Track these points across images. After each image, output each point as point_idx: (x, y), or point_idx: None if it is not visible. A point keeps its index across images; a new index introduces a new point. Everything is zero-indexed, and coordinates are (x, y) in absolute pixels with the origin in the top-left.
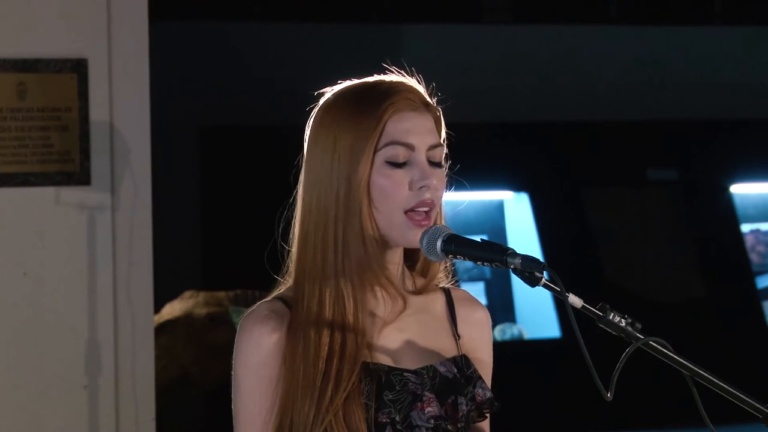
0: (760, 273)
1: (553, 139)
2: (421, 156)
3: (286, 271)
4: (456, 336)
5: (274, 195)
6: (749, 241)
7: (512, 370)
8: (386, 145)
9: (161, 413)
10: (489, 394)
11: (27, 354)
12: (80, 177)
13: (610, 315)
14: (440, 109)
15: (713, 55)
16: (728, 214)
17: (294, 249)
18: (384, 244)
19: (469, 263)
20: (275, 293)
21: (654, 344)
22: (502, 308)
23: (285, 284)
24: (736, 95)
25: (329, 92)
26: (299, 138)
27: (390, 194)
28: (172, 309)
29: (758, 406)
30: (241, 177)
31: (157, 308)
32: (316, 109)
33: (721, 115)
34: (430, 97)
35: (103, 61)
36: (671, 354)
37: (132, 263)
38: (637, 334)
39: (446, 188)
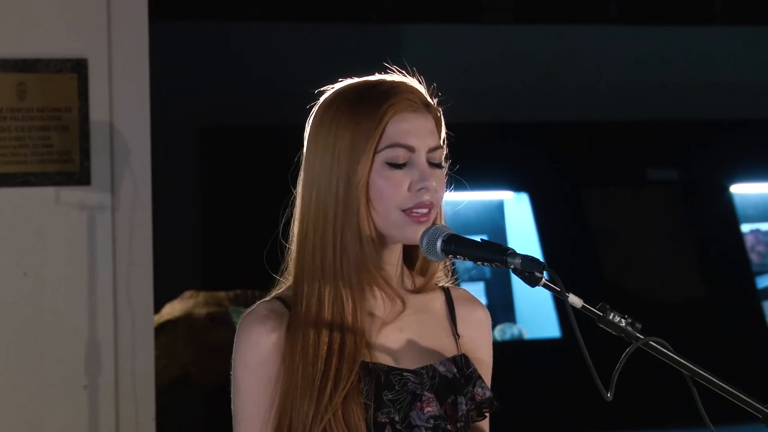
0: (760, 273)
1: (553, 139)
2: (421, 157)
3: (285, 269)
4: (456, 335)
5: (274, 195)
6: (749, 241)
7: (512, 370)
8: (386, 146)
9: (161, 413)
10: (488, 394)
11: (27, 354)
12: (80, 177)
13: (610, 315)
14: (441, 110)
15: (713, 55)
16: (728, 214)
17: (293, 247)
18: (382, 244)
19: (469, 263)
20: (274, 293)
21: (654, 344)
22: (502, 308)
23: (284, 284)
24: (736, 95)
25: (329, 90)
26: (299, 138)
27: (388, 195)
28: (172, 309)
29: (758, 406)
30: (241, 177)
31: (157, 308)
32: (316, 107)
33: (721, 115)
34: (431, 98)
35: (103, 61)
36: (671, 354)
37: (132, 263)
38: (637, 334)
39: (446, 188)
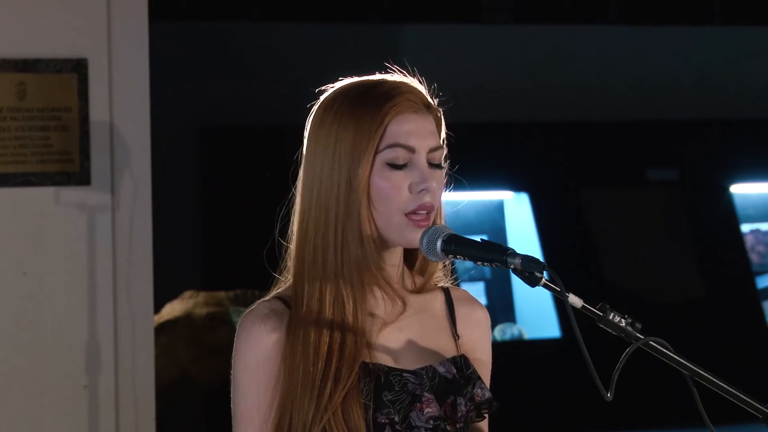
0: (760, 273)
1: (553, 139)
2: (421, 158)
3: (284, 268)
4: (455, 336)
5: (274, 195)
6: (749, 241)
7: (512, 370)
8: (387, 147)
9: (161, 413)
10: (488, 395)
11: (27, 354)
12: (80, 177)
13: (610, 315)
14: (441, 110)
15: (713, 55)
16: (728, 214)
17: (293, 247)
18: (382, 244)
19: (469, 263)
20: (274, 292)
21: (654, 344)
22: (502, 308)
23: (283, 283)
24: (736, 95)
25: (330, 90)
26: (299, 138)
27: (389, 196)
28: (172, 309)
29: (758, 406)
30: (241, 177)
31: (157, 308)
32: (316, 107)
33: (721, 114)
34: (431, 98)
35: (103, 61)
36: (671, 354)
37: (132, 263)
38: (637, 334)
39: (445, 188)
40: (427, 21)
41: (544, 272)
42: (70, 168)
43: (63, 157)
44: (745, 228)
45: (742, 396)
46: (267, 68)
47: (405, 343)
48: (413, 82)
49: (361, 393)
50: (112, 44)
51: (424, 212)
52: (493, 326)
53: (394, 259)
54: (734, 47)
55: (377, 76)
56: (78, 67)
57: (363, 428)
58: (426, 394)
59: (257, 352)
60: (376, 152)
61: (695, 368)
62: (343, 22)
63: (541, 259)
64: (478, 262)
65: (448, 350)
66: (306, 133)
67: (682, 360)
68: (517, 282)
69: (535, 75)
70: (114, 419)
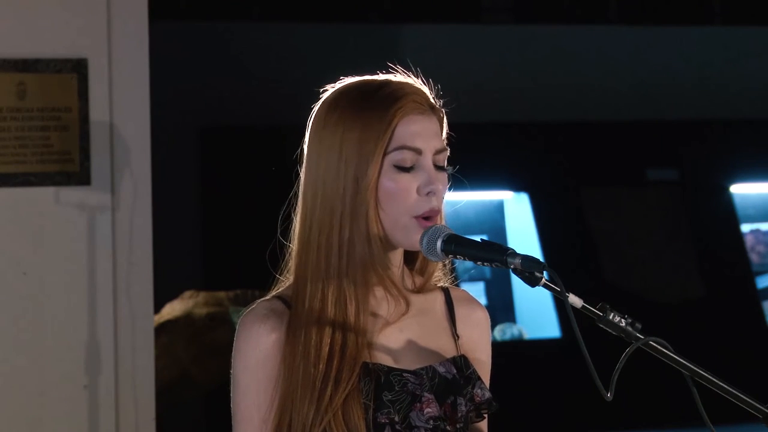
0: (760, 273)
1: (553, 139)
2: (427, 160)
3: (286, 267)
4: (455, 336)
5: (274, 195)
6: (749, 241)
7: (512, 370)
8: (395, 149)
9: (161, 413)
10: (488, 395)
11: (27, 354)
12: (80, 177)
13: (610, 315)
14: (444, 111)
15: (713, 55)
16: (728, 214)
17: (295, 246)
18: (387, 245)
19: (469, 263)
20: (274, 292)
21: (654, 344)
22: (502, 308)
23: (284, 283)
24: (735, 95)
25: (332, 89)
26: (299, 138)
27: (398, 198)
28: (172, 309)
29: (758, 406)
30: (241, 177)
31: (157, 308)
32: (318, 106)
33: (721, 114)
34: (435, 99)
35: (103, 61)
36: (671, 354)
37: (132, 263)
38: (637, 334)
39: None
40: (427, 21)
41: (544, 272)
42: (70, 168)
43: (63, 157)
44: (745, 228)
45: (742, 396)
46: (267, 68)
47: (405, 343)
48: (417, 82)
49: (361, 393)
50: (112, 44)
51: (432, 215)
52: (493, 326)
53: (397, 260)
54: (734, 47)
55: (381, 77)
56: (78, 67)
57: (363, 429)
58: (426, 394)
59: (257, 351)
60: (385, 154)
61: (695, 368)
62: (343, 22)
63: (541, 259)
64: (478, 262)
65: (448, 350)
66: (307, 133)
67: (682, 360)
68: (517, 282)
69: (535, 75)
70: (114, 419)
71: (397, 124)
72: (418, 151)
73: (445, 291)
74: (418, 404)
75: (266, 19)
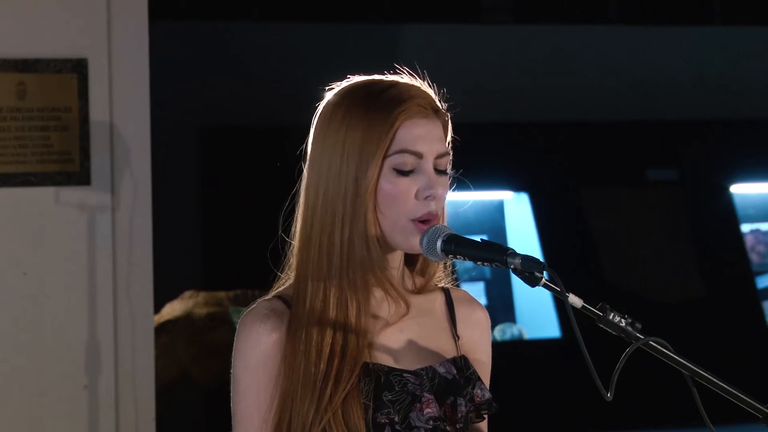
0: (760, 273)
1: (553, 139)
2: (428, 164)
3: (287, 264)
4: (455, 336)
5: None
6: (749, 241)
7: (512, 370)
8: (396, 152)
9: (161, 413)
10: (488, 395)
11: (27, 354)
12: (80, 177)
13: (610, 315)
14: (449, 115)
15: (713, 55)
16: (728, 214)
17: (296, 243)
18: (386, 247)
19: (469, 263)
20: (274, 291)
21: (654, 344)
22: (502, 308)
23: (284, 282)
24: (735, 95)
25: (338, 88)
26: (299, 138)
27: (396, 201)
28: (172, 309)
29: (758, 406)
30: (241, 177)
31: (157, 308)
32: (324, 104)
33: (721, 114)
34: (441, 103)
35: (103, 61)
36: (671, 354)
37: (132, 263)
38: (637, 334)
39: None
40: (427, 21)
41: (544, 272)
42: (70, 168)
43: (63, 157)
44: (745, 228)
45: (742, 396)
46: (267, 68)
47: (405, 343)
48: (423, 86)
49: (361, 393)
50: (112, 44)
51: (430, 219)
52: (493, 326)
53: (396, 261)
54: (734, 47)
55: (388, 77)
56: (78, 67)
57: (362, 428)
58: (426, 394)
59: (257, 351)
60: (385, 156)
61: (695, 368)
62: (343, 22)
63: (541, 259)
64: (478, 262)
65: (449, 351)
66: (312, 130)
67: (682, 360)
68: (517, 282)
69: (535, 75)
70: (114, 419)
71: (399, 127)
72: (419, 155)
73: (446, 291)
74: (418, 404)
75: (266, 19)
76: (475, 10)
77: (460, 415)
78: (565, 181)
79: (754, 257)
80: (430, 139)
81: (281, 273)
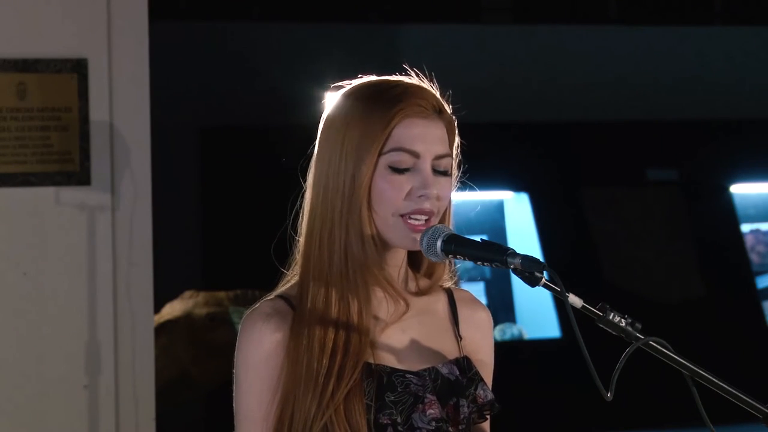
0: (760, 273)
1: (553, 139)
2: (425, 164)
3: (293, 261)
4: (458, 337)
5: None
6: (749, 241)
7: (512, 370)
8: (391, 149)
9: (161, 413)
10: (490, 396)
11: (27, 354)
12: (80, 177)
13: (610, 315)
14: (455, 118)
15: (713, 55)
16: (728, 214)
17: (301, 241)
18: (383, 245)
19: (469, 263)
20: (277, 291)
21: (654, 344)
22: (502, 308)
23: (289, 280)
24: (735, 95)
25: (347, 86)
26: (299, 138)
27: (388, 198)
28: (172, 309)
29: (758, 406)
30: (241, 177)
31: (157, 308)
32: (332, 102)
33: (721, 115)
34: (447, 105)
35: (103, 61)
36: (671, 354)
37: (132, 263)
38: (637, 334)
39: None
40: (427, 21)
41: (544, 272)
42: (70, 168)
43: (63, 157)
44: (745, 228)
45: (742, 396)
46: (267, 68)
47: (408, 344)
48: (428, 86)
49: (364, 393)
50: (112, 44)
51: (423, 218)
52: (493, 326)
53: (396, 260)
54: (734, 47)
55: (395, 78)
56: (78, 67)
57: (364, 426)
58: (428, 395)
59: (259, 350)
60: (380, 154)
61: (695, 368)
62: (343, 22)
63: (541, 259)
64: (478, 262)
65: (451, 351)
66: (320, 127)
67: (682, 360)
68: (517, 282)
69: (535, 75)
70: (114, 419)
71: (396, 125)
72: (415, 154)
73: (449, 292)
74: (420, 405)
75: (266, 19)
76: (475, 10)
77: (462, 416)
78: (565, 181)
79: (754, 257)
80: (428, 139)
81: (287, 270)
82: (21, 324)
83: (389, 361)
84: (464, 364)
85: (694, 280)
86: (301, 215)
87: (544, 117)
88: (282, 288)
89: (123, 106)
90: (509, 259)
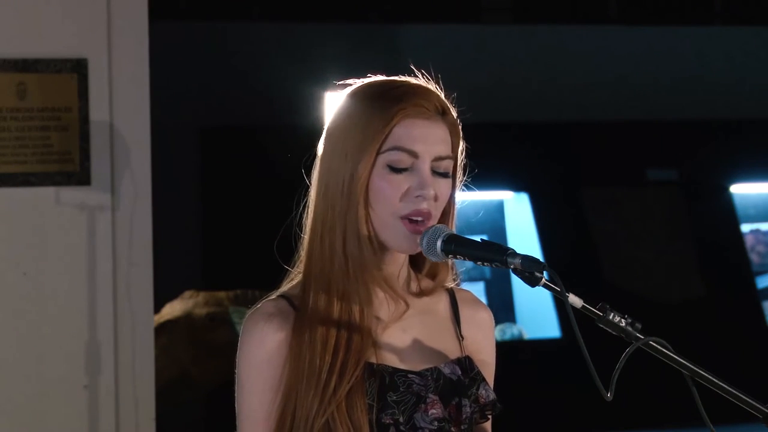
0: (760, 273)
1: (553, 139)
2: (424, 165)
3: (297, 259)
4: (460, 337)
5: (274, 195)
6: (749, 241)
7: (512, 370)
8: (389, 149)
9: (161, 413)
10: (492, 396)
11: (27, 354)
12: (80, 177)
13: (610, 315)
14: (459, 119)
15: (713, 55)
16: (728, 214)
17: (306, 237)
18: (381, 245)
19: (469, 263)
20: (279, 291)
21: (654, 344)
22: (502, 308)
23: (291, 279)
24: (735, 95)
25: (354, 85)
26: (299, 138)
27: (385, 198)
28: (172, 309)
29: (758, 406)
30: (241, 177)
31: (157, 308)
32: (337, 102)
33: (721, 115)
34: (452, 106)
35: (103, 61)
36: (671, 354)
37: (132, 263)
38: (637, 334)
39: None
40: (427, 21)
41: (544, 272)
42: (70, 168)
43: (63, 157)
44: (745, 228)
45: (742, 396)
46: (267, 68)
47: (409, 343)
48: (431, 87)
49: (366, 393)
50: (112, 44)
51: (420, 219)
52: (494, 326)
53: (395, 261)
54: (734, 47)
55: (401, 78)
56: (78, 67)
57: (366, 423)
58: (431, 395)
59: (262, 350)
60: (378, 152)
61: (695, 368)
62: (343, 22)
63: (541, 259)
64: (478, 262)
65: (453, 351)
66: (325, 127)
67: (682, 360)
68: (517, 282)
69: (535, 75)
70: (114, 419)
71: (396, 125)
72: (413, 154)
73: (450, 292)
74: (422, 405)
75: (266, 19)
76: (475, 10)
77: (464, 416)
78: (565, 181)
79: (754, 257)
80: (429, 140)
81: (291, 267)
82: (21, 324)
83: (391, 361)
84: (466, 363)
85: (694, 280)
86: (305, 213)
87: (544, 117)
88: (284, 287)
89: (123, 106)
90: (509, 259)
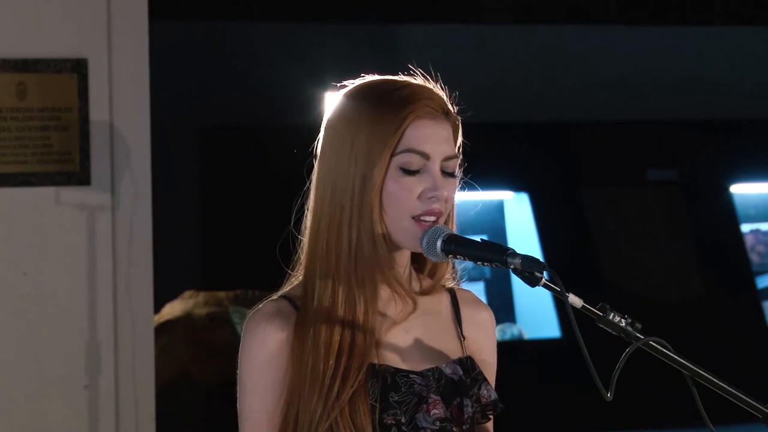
0: (760, 273)
1: (553, 139)
2: (435, 165)
3: (297, 261)
4: (461, 337)
5: (274, 195)
6: (749, 241)
7: (512, 370)
8: (402, 151)
9: (161, 413)
10: (494, 396)
11: (27, 354)
12: (80, 177)
13: (610, 315)
14: (460, 119)
15: (713, 55)
16: (728, 214)
17: (305, 240)
18: (392, 245)
19: (469, 263)
20: (280, 292)
21: (654, 344)
22: (502, 308)
23: (293, 280)
24: (735, 95)
25: (351, 85)
26: (299, 138)
27: (400, 200)
28: (172, 309)
29: (758, 406)
30: (241, 177)
31: (157, 308)
32: (336, 101)
33: (721, 115)
34: (452, 105)
35: (103, 61)
36: (671, 354)
37: (132, 263)
38: (637, 334)
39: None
40: (427, 21)
41: (544, 272)
42: (70, 168)
43: (63, 157)
44: (745, 228)
45: (742, 396)
46: (267, 68)
47: (411, 344)
48: (435, 87)
49: (368, 394)
50: (112, 44)
51: (433, 218)
52: (495, 326)
53: (403, 260)
54: (734, 47)
55: (401, 78)
56: (78, 67)
57: (369, 426)
58: (432, 395)
59: (263, 351)
60: (392, 155)
61: (695, 368)
62: (343, 22)
63: (541, 259)
64: (478, 262)
65: (455, 351)
66: (323, 125)
67: (682, 360)
68: (517, 282)
69: (535, 75)
70: (114, 419)
71: (408, 127)
72: (425, 156)
73: (451, 292)
74: (424, 405)
75: (266, 19)
76: (475, 10)
77: (466, 416)
78: (565, 181)
79: (754, 257)
80: (437, 140)
81: (291, 270)
82: (21, 324)
83: (393, 361)
84: (468, 363)
85: (694, 280)
86: (305, 215)
87: (544, 117)
88: (285, 288)
89: (123, 106)
90: (509, 259)
